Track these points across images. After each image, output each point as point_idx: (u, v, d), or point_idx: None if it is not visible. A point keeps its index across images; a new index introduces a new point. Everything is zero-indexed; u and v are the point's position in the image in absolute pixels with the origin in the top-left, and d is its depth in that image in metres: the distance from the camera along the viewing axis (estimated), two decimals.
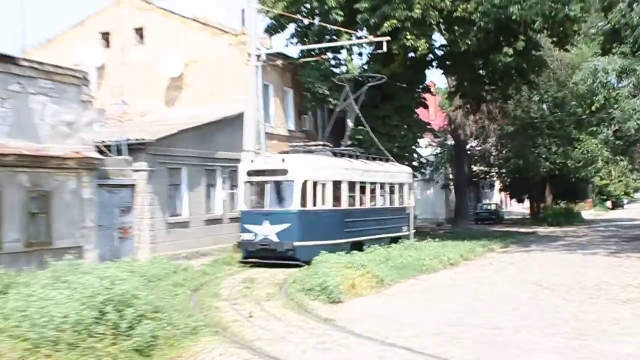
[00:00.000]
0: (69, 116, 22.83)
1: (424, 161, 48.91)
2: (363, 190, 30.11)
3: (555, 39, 39.32)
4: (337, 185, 27.68)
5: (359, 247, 27.34)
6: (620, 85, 33.07)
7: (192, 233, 29.48)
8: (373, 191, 31.24)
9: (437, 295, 19.98)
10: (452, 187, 64.84)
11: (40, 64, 22.21)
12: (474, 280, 23.09)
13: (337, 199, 27.70)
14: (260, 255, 25.79)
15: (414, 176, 46.78)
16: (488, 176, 70.33)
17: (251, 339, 13.29)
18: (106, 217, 24.96)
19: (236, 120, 30.81)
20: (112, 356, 11.24)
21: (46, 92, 22.05)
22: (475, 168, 68.07)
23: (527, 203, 77.73)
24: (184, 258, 27.40)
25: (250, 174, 26.92)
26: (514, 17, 33.70)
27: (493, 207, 71.81)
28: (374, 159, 32.81)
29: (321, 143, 30.26)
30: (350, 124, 39.65)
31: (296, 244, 25.27)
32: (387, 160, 34.01)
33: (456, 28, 36.89)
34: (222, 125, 31.40)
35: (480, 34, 35.18)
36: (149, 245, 26.77)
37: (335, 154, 29.45)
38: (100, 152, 24.96)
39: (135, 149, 26.85)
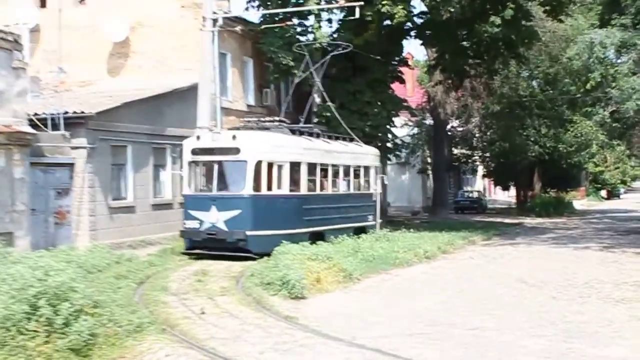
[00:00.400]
0: None
1: (399, 142, 49.09)
2: (324, 174, 29.53)
3: (547, 8, 39.65)
4: (294, 167, 26.96)
5: (318, 237, 26.92)
6: (618, 61, 33.44)
7: (138, 219, 29.37)
8: (335, 174, 30.53)
9: (410, 291, 20.14)
10: (429, 172, 65.16)
11: None
12: (452, 276, 23.30)
13: (294, 182, 27.04)
14: (206, 246, 25.14)
15: (387, 159, 47.09)
16: (470, 160, 70.78)
17: (203, 338, 13.30)
18: (40, 200, 24.78)
19: (188, 93, 30.68)
20: (45, 355, 11.19)
21: None
22: (456, 151, 68.51)
23: (512, 191, 78.39)
24: (128, 247, 27.27)
25: (195, 152, 26.19)
26: None
27: (475, 195, 72.26)
28: (337, 138, 32.24)
29: (277, 119, 29.58)
30: (316, 99, 39.66)
31: (248, 233, 24.53)
32: (352, 140, 33.63)
33: None
34: (172, 98, 31.25)
35: (464, 0, 35.27)
36: (89, 232, 26.63)
37: (293, 132, 28.73)
38: (34, 125, 24.74)
39: (74, 123, 26.62)
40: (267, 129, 27.55)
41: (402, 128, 58.57)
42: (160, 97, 30.65)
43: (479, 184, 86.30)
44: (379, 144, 41.69)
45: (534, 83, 62.70)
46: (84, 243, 25.51)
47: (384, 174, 44.17)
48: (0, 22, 28.46)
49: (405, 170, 67.17)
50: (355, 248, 25.81)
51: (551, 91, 60.86)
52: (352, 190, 31.85)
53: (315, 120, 38.93)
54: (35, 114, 25.88)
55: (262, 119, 29.24)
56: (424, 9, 40.67)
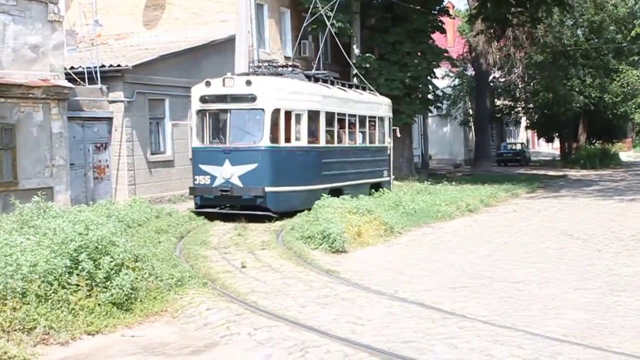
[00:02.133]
0: (34, 38, 22.70)
1: (440, 94, 48.78)
2: (341, 124, 27.61)
3: None
4: (313, 116, 25.11)
5: (337, 194, 25.11)
6: None
7: (177, 173, 29.49)
8: (352, 126, 28.50)
9: (453, 244, 20.17)
10: (471, 124, 64.85)
11: None
12: (495, 229, 23.28)
13: (312, 133, 25.10)
14: (220, 203, 23.86)
15: (429, 111, 46.90)
16: (513, 112, 70.26)
17: (244, 292, 13.41)
18: (79, 155, 25.01)
19: (225, 45, 30.62)
20: (87, 310, 11.37)
21: (7, 10, 21.87)
22: (498, 102, 68.00)
23: (556, 142, 77.90)
24: (168, 201, 27.52)
25: (205, 99, 24.11)
26: None
27: (518, 147, 71.86)
28: (350, 86, 30.32)
29: (290, 64, 27.80)
30: (355, 50, 39.52)
31: (267, 189, 22.76)
32: (365, 89, 31.83)
33: None
34: (209, 51, 31.24)
35: None
36: (128, 187, 26.83)
37: (308, 78, 26.74)
38: (71, 79, 24.87)
39: (111, 76, 26.72)
40: (280, 74, 25.54)
41: (443, 79, 58.20)
42: (197, 49, 30.65)
43: (522, 135, 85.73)
44: (420, 96, 41.54)
45: (579, 31, 61.97)
46: (124, 197, 25.74)
47: (423, 126, 44.08)
48: None
49: (446, 123, 66.90)
50: (396, 201, 25.87)
51: (596, 40, 60.20)
52: (368, 144, 30.02)
53: (355, 71, 38.78)
54: (72, 68, 26.02)
55: (274, 63, 26.97)
56: None
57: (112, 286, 11.79)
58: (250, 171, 22.99)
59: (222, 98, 23.87)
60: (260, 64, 26.75)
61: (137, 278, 12.29)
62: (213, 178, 23.32)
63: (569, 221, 24.86)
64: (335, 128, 26.94)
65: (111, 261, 12.07)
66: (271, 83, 24.12)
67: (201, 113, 24.28)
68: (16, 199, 17.65)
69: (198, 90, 24.33)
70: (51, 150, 22.85)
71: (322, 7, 35.16)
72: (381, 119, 31.24)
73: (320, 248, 18.07)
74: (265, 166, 23.10)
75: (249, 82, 23.34)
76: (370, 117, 30.04)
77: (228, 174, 23.06)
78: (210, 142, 24.25)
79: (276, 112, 23.33)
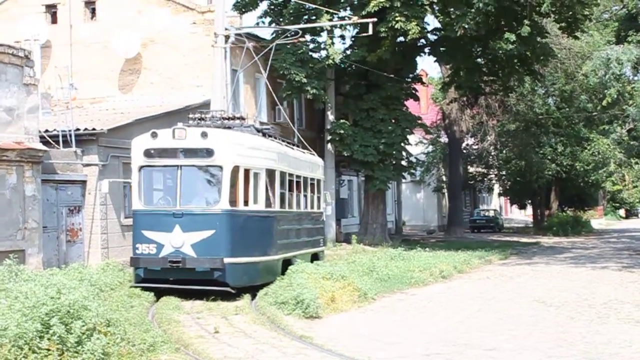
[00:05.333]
0: (9, 101, 22.69)
1: (414, 160, 49.10)
2: (290, 186, 24.61)
3: (563, 24, 39.62)
4: (269, 176, 22.33)
5: (287, 265, 22.94)
6: (635, 78, 33.44)
7: None
8: (298, 187, 25.52)
9: (427, 311, 20.14)
10: (445, 191, 65.20)
11: None
12: (468, 296, 23.26)
13: (268, 196, 22.21)
14: (167, 277, 20.33)
15: (402, 177, 47.13)
16: (486, 178, 70.85)
17: (217, 357, 13.33)
18: (52, 217, 24.84)
19: (200, 110, 30.71)
20: None
21: None
22: (471, 169, 68.53)
23: (529, 209, 78.40)
24: None
25: (150, 154, 20.95)
26: None
27: (491, 214, 72.18)
28: (290, 144, 26.76)
29: (238, 115, 24.09)
30: (330, 116, 39.81)
31: (227, 260, 19.96)
32: (304, 147, 28.99)
33: (451, 9, 37.22)
34: (184, 115, 31.01)
35: (478, 16, 35.36)
36: (101, 250, 26.62)
37: (258, 132, 23.61)
38: (45, 142, 24.83)
39: (85, 140, 26.68)
40: (228, 127, 22.44)
41: (416, 146, 58.62)
42: (172, 114, 30.69)
43: (495, 202, 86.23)
44: (394, 162, 41.80)
45: (550, 100, 62.68)
46: (96, 261, 25.55)
47: (386, 189, 43.45)
48: (11, 38, 28.71)
49: (420, 189, 67.25)
50: (370, 267, 25.87)
51: (567, 109, 60.87)
52: (309, 209, 27.07)
53: (329, 137, 39.12)
54: (47, 131, 25.99)
55: (222, 115, 23.53)
56: (438, 25, 41.01)
57: (83, 351, 11.69)
58: (205, 239, 20.01)
59: (171, 152, 20.76)
60: (204, 116, 23.03)
61: (109, 343, 12.19)
62: (160, 247, 20.18)
63: (541, 288, 24.90)
64: (287, 190, 24.14)
65: (83, 325, 11.99)
66: (230, 136, 21.33)
67: (145, 169, 21.19)
68: None
69: (141, 143, 21.27)
70: (24, 212, 22.71)
71: (297, 74, 35.54)
72: (318, 181, 28.43)
73: (293, 313, 18.01)
74: (224, 233, 20.24)
75: (204, 134, 20.45)
76: (311, 178, 27.24)
77: (179, 242, 20.00)
78: (156, 204, 21.31)
79: (236, 169, 20.58)
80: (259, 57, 30.34)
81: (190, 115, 22.98)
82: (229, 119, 23.16)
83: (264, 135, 23.80)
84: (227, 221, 20.33)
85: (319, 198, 28.22)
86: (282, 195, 23.51)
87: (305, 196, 26.42)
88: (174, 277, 20.16)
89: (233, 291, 19.95)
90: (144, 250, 20.43)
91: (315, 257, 26.55)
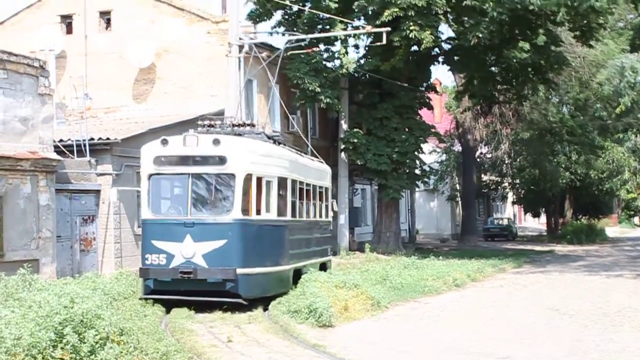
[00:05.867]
0: (24, 111, 22.83)
1: (427, 169, 49.04)
2: (301, 195, 24.03)
3: (577, 33, 39.51)
4: (281, 184, 21.74)
5: (297, 275, 22.48)
6: None
7: None
8: (307, 195, 24.90)
9: (440, 320, 20.06)
10: (458, 199, 65.08)
11: None
12: (482, 304, 23.18)
13: (279, 204, 21.59)
14: (178, 288, 19.60)
15: (416, 186, 47.07)
16: (500, 187, 70.61)
17: None
18: (65, 227, 24.94)
19: (210, 117, 30.73)
20: None
21: None
22: (485, 177, 68.37)
23: (543, 218, 78.18)
24: None
25: (160, 161, 20.30)
26: (531, 7, 33.90)
27: (505, 222, 72.04)
28: (298, 151, 26.04)
29: (249, 122, 23.27)
30: (343, 125, 39.82)
31: (239, 271, 19.35)
32: (314, 155, 28.63)
33: (465, 18, 37.14)
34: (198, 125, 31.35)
35: (492, 25, 35.33)
36: (114, 259, 26.73)
37: (273, 140, 23.31)
38: (59, 152, 24.93)
39: (100, 149, 26.82)
40: (239, 134, 21.76)
41: (430, 154, 58.54)
42: (186, 123, 30.66)
43: (508, 211, 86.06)
44: (407, 171, 41.75)
45: (564, 109, 62.49)
46: (110, 270, 25.63)
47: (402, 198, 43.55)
48: (26, 49, 28.88)
49: (433, 197, 67.23)
50: (383, 276, 25.78)
51: (581, 117, 60.65)
52: (318, 217, 26.51)
53: (343, 146, 39.12)
54: (61, 140, 26.10)
55: (232, 122, 22.75)
56: (452, 34, 40.93)
57: None
58: (217, 249, 19.42)
59: (182, 160, 20.15)
60: (213, 122, 22.30)
61: (122, 352, 12.19)
62: (170, 257, 19.54)
63: (555, 296, 24.80)
64: (297, 199, 23.54)
65: (96, 335, 12.00)
66: (243, 144, 20.66)
67: (155, 177, 20.47)
68: (1, 271, 17.62)
69: (151, 150, 20.57)
70: (38, 222, 22.82)
71: (311, 83, 35.55)
72: (326, 189, 27.80)
73: (306, 322, 17.96)
74: (236, 243, 19.62)
75: (217, 142, 19.85)
76: (320, 186, 26.68)
77: (190, 252, 19.38)
78: (166, 213, 20.58)
79: (248, 177, 19.93)
80: (267, 62, 30.15)
81: (200, 122, 22.25)
82: (239, 125, 22.40)
83: (274, 142, 23.27)
84: (239, 231, 19.72)
85: (327, 206, 27.61)
86: (293, 204, 22.93)
87: (314, 205, 25.84)
88: (185, 288, 19.47)
89: (245, 303, 19.33)
90: (154, 260, 19.74)
91: (323, 267, 26.01)
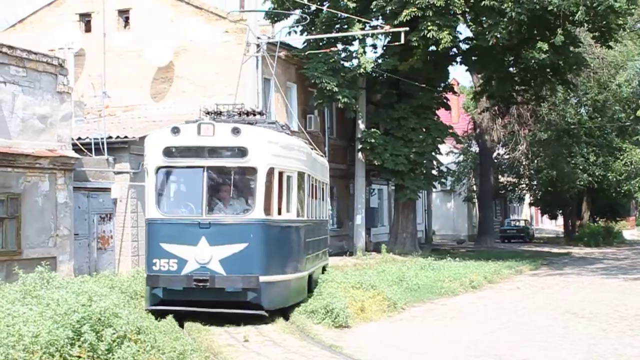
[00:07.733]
0: (43, 109, 22.90)
1: (444, 170, 48.96)
2: (312, 192, 21.78)
3: (596, 34, 39.37)
4: (300, 180, 19.67)
5: (309, 281, 20.63)
6: None
7: None
8: (316, 193, 22.65)
9: (456, 321, 20.03)
10: (475, 200, 64.97)
11: (10, 48, 22.17)
12: (499, 306, 23.12)
13: (299, 202, 19.65)
14: (191, 298, 17.32)
15: (433, 186, 47.01)
16: (517, 188, 70.40)
17: None
18: (83, 225, 25.01)
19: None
20: None
21: (16, 81, 22.07)
22: (502, 179, 68.19)
23: (560, 220, 77.80)
24: None
25: (170, 153, 17.85)
26: (550, 8, 33.81)
27: (522, 224, 71.81)
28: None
29: (258, 110, 20.85)
30: (361, 125, 39.79)
31: (262, 278, 17.27)
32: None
33: (484, 18, 37.08)
34: None
35: (511, 25, 35.28)
36: (131, 258, 26.77)
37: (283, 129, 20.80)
38: (78, 150, 25.02)
39: (118, 147, 26.87)
40: (251, 124, 19.07)
41: (447, 155, 58.45)
42: None
43: (525, 212, 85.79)
44: (424, 171, 41.69)
45: (582, 110, 62.32)
46: (127, 268, 25.67)
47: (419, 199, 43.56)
48: (45, 47, 28.99)
49: (450, 198, 67.15)
50: (399, 277, 25.77)
51: (600, 118, 60.49)
52: (324, 217, 24.85)
53: (360, 146, 39.11)
54: (79, 138, 26.19)
55: (241, 109, 20.14)
56: (470, 34, 40.84)
57: (114, 358, 11.72)
58: (237, 253, 17.17)
59: (196, 151, 17.70)
60: (221, 110, 19.92)
61: (139, 351, 12.21)
62: (182, 262, 17.22)
63: (573, 299, 24.72)
64: (313, 196, 21.67)
65: (113, 333, 12.02)
66: (264, 134, 18.30)
67: (164, 171, 18.15)
68: (19, 269, 17.61)
69: (159, 140, 18.12)
70: (56, 220, 22.89)
71: (329, 83, 35.53)
72: (326, 186, 25.64)
73: (323, 323, 17.95)
74: (258, 247, 17.43)
75: (236, 131, 17.45)
76: (324, 183, 24.72)
77: (205, 257, 17.09)
78: (177, 212, 18.23)
79: (270, 172, 17.74)
80: (285, 61, 30.06)
81: (203, 109, 19.99)
82: (248, 114, 19.93)
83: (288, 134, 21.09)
84: (262, 233, 17.49)
85: (327, 203, 25.93)
86: (308, 203, 20.90)
87: (320, 203, 23.70)
88: (199, 298, 17.18)
89: (266, 314, 17.35)
90: (163, 266, 17.34)
91: (323, 271, 24.34)
